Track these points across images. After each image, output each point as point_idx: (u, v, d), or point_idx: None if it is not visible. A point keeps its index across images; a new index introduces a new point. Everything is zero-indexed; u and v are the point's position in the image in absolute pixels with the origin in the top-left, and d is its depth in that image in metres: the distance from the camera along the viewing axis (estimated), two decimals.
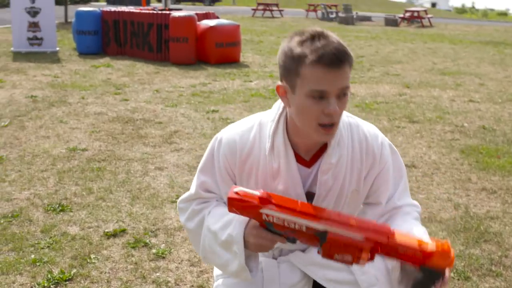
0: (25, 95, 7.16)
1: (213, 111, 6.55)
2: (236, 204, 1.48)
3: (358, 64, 10.80)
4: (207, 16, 11.44)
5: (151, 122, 5.95)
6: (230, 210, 1.51)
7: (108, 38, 11.66)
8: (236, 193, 1.48)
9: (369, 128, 1.77)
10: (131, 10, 11.51)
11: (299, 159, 1.69)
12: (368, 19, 29.77)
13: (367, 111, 6.83)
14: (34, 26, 11.68)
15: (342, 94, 1.52)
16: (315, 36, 1.51)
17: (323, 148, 1.69)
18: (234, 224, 1.62)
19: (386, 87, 8.63)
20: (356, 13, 30.66)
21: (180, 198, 1.86)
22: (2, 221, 3.49)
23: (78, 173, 4.35)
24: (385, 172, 1.75)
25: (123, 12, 11.48)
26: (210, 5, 44.51)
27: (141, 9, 11.77)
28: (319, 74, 1.48)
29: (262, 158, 1.69)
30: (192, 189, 1.80)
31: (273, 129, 1.68)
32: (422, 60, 12.39)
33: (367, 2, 52.73)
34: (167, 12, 10.84)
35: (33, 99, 6.92)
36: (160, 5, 15.79)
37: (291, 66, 1.53)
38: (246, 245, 1.59)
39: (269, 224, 1.49)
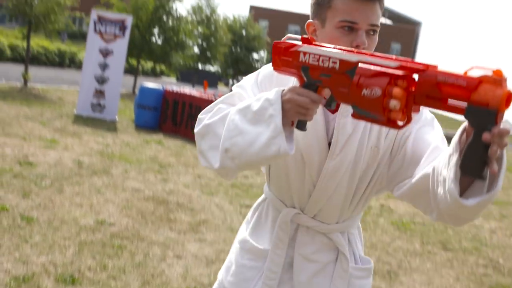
0: (73, 159, 7.43)
1: (247, 206, 6.59)
2: (278, 48, 1.45)
3: None
4: None
5: (183, 207, 6.02)
6: (273, 59, 1.46)
7: (165, 116, 12.07)
8: (281, 41, 1.48)
9: None
10: (192, 93, 11.93)
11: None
12: None
13: (402, 230, 6.71)
14: (99, 93, 12.27)
15: (371, 31, 1.56)
16: None
17: None
18: (271, 92, 1.47)
19: None
20: None
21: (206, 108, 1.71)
22: (12, 283, 3.55)
23: (98, 247, 4.42)
24: (421, 130, 1.62)
25: (184, 94, 11.91)
26: None
27: (201, 94, 12.18)
28: (351, 5, 1.53)
29: None
30: (226, 94, 1.71)
31: None
32: None
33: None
34: None
35: (79, 165, 7.16)
36: (220, 92, 16.28)
37: (325, 1, 1.57)
38: (283, 111, 1.42)
39: (305, 70, 1.40)
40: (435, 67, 1.15)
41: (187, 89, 13.23)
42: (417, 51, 67.25)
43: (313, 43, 1.43)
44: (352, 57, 1.29)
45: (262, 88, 1.70)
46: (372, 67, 1.22)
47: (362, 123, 1.63)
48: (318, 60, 1.37)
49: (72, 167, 6.95)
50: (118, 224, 5.09)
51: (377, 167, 1.67)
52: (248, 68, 33.06)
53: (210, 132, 1.61)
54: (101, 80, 12.29)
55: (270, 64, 1.73)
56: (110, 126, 11.38)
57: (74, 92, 16.95)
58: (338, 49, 1.36)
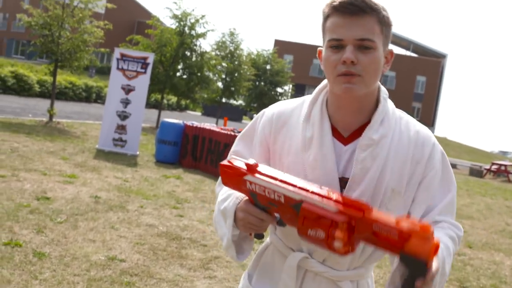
0: (90, 194, 7.52)
1: (260, 242, 6.55)
2: (225, 171, 1.49)
3: None
4: None
5: (196, 243, 6.03)
6: (222, 178, 1.53)
7: (185, 151, 12.18)
8: (228, 161, 1.50)
9: (423, 126, 1.68)
10: (212, 128, 12.04)
11: (336, 133, 1.61)
12: (453, 166, 29.33)
13: None
14: (121, 128, 12.47)
15: (362, 47, 1.49)
16: None
17: (363, 127, 1.59)
18: (231, 198, 1.60)
19: None
20: None
21: None
22: None
23: (107, 284, 4.44)
24: (430, 179, 1.60)
25: (203, 129, 12.03)
26: None
27: (221, 129, 12.29)
28: (334, 22, 1.52)
29: (297, 129, 1.64)
30: (228, 156, 1.78)
31: (312, 98, 1.67)
32: (495, 218, 11.96)
33: (457, 148, 52.25)
34: None
35: (95, 200, 7.24)
36: (241, 127, 16.37)
37: (322, 24, 1.59)
38: (236, 221, 1.55)
39: (254, 196, 1.45)
40: (371, 212, 1.26)
41: (207, 124, 13.35)
42: (442, 83, 66.86)
43: (257, 170, 1.45)
44: (295, 196, 1.36)
45: (263, 142, 1.73)
46: (315, 209, 1.31)
47: (383, 158, 1.57)
48: (264, 191, 1.43)
49: (88, 203, 7.04)
50: (129, 260, 5.11)
51: (395, 211, 1.58)
52: (273, 101, 33.27)
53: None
54: (123, 116, 12.50)
55: (271, 106, 1.78)
56: (131, 161, 11.51)
57: (98, 127, 17.22)
58: (282, 181, 1.41)
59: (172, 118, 26.91)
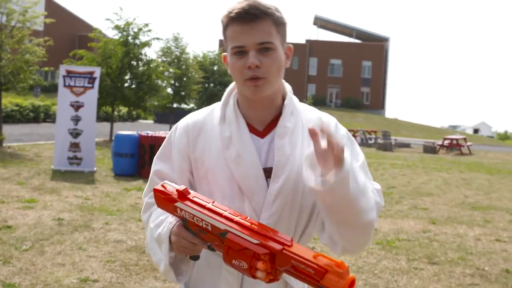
0: (52, 217, 7.39)
1: None
2: (158, 196, 1.52)
3: (387, 196, 10.78)
4: None
5: None
6: (156, 202, 1.55)
7: (143, 161, 12.07)
8: (162, 185, 1.53)
9: (324, 113, 1.82)
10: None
11: (252, 129, 1.72)
12: (406, 145, 29.99)
13: (387, 249, 6.74)
14: (75, 146, 12.28)
15: (263, 49, 1.61)
16: (239, 1, 1.65)
17: (275, 119, 1.73)
18: (165, 223, 1.65)
19: (411, 222, 8.54)
20: (395, 139, 31.00)
21: (143, 192, 1.90)
22: None
23: None
24: None
25: (159, 137, 11.96)
26: None
27: None
28: (234, 30, 1.63)
29: (214, 132, 1.74)
30: (149, 178, 1.85)
31: (222, 102, 1.78)
32: (454, 192, 12.29)
33: (408, 127, 53.34)
34: None
35: (59, 222, 7.12)
36: None
37: (222, 33, 1.70)
38: (171, 245, 1.60)
39: (185, 221, 1.51)
40: (290, 247, 1.32)
41: (162, 132, 13.26)
42: (388, 66, 68.09)
43: (188, 197, 1.50)
44: (220, 225, 1.41)
45: (183, 153, 1.77)
46: (239, 240, 1.37)
47: (299, 144, 1.70)
48: (193, 219, 1.48)
49: (52, 226, 6.91)
50: (102, 280, 5.06)
51: None
52: None
53: (145, 227, 1.85)
54: (75, 133, 12.30)
55: (182, 119, 1.84)
56: (89, 177, 11.35)
57: (51, 147, 16.88)
58: (210, 209, 1.46)
59: (124, 130, 26.58)
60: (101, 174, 11.98)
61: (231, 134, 1.70)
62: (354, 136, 30.50)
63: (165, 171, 1.81)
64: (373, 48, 65.67)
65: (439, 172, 16.63)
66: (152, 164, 1.87)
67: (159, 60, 25.90)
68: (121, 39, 21.07)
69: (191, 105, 32.22)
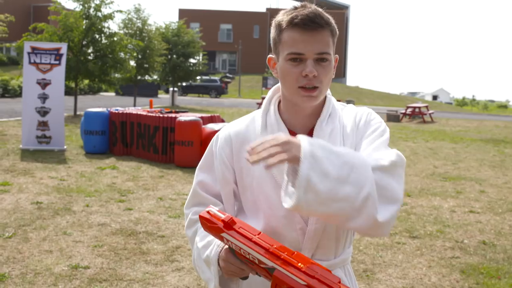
0: (30, 200, 7.28)
1: None
2: (204, 224, 1.54)
3: None
4: (212, 119, 11.74)
5: (153, 236, 6.01)
6: (203, 227, 1.57)
7: (115, 138, 11.94)
8: (208, 212, 1.54)
9: (361, 108, 1.84)
10: (139, 112, 11.84)
11: (294, 135, 1.67)
12: None
13: None
14: (43, 125, 12.03)
15: (320, 59, 1.62)
16: (298, 7, 1.65)
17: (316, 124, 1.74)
18: (213, 246, 1.68)
19: None
20: None
21: (185, 203, 1.91)
22: None
23: None
24: (369, 132, 1.72)
25: (130, 114, 11.81)
26: (216, 97, 45.58)
27: (148, 111, 12.10)
28: (294, 36, 1.61)
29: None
30: (192, 189, 1.86)
31: (263, 110, 1.78)
32: (423, 162, 12.56)
33: (370, 95, 53.93)
34: (173, 115, 11.14)
35: (38, 206, 7.02)
36: (163, 106, 16.20)
37: (275, 35, 1.68)
38: (222, 270, 1.64)
39: (232, 250, 1.54)
40: None
41: (132, 109, 13.11)
42: (348, 34, 68.36)
43: (233, 227, 1.49)
44: (268, 262, 1.41)
45: (227, 164, 1.77)
46: (286, 279, 1.36)
47: (338, 142, 1.71)
48: (240, 250, 1.49)
49: (31, 210, 6.81)
50: (93, 266, 5.04)
51: None
52: (187, 73, 32.95)
53: (189, 241, 1.89)
54: (43, 112, 12.04)
55: (224, 129, 1.83)
56: (60, 156, 11.17)
57: (15, 123, 16.53)
58: (256, 242, 1.45)
59: (87, 104, 26.15)
60: (71, 152, 11.80)
61: None
62: None
63: (208, 182, 1.82)
64: (334, 16, 64.44)
65: (405, 142, 16.94)
66: (195, 175, 1.88)
67: (121, 32, 25.43)
68: (82, 12, 20.55)
69: (155, 77, 31.85)
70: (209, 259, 1.68)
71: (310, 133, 1.73)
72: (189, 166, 10.34)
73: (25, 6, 60.16)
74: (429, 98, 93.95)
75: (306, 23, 1.60)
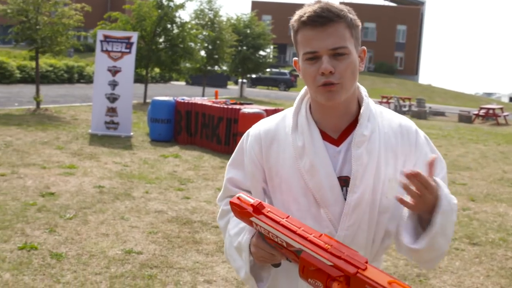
0: (93, 184, 7.50)
1: None
2: (234, 209, 1.55)
3: None
4: (276, 112, 11.69)
5: (208, 226, 6.06)
6: (233, 213, 1.57)
7: (180, 127, 12.13)
8: (238, 197, 1.54)
9: (403, 117, 1.78)
10: (204, 103, 11.98)
11: (326, 137, 1.68)
12: (441, 114, 29.52)
13: None
14: (112, 111, 12.36)
15: (337, 54, 1.55)
16: (310, 4, 1.61)
17: (351, 126, 1.68)
18: (245, 232, 1.67)
19: None
20: (430, 107, 30.53)
21: (218, 197, 1.93)
22: None
23: (129, 280, 4.47)
24: (421, 162, 1.65)
25: (195, 104, 11.97)
26: (285, 90, 45.53)
27: (213, 102, 12.22)
28: (305, 35, 1.57)
29: (287, 141, 1.70)
30: (223, 185, 1.88)
31: (295, 109, 1.74)
32: (492, 167, 12.09)
33: (442, 94, 52.45)
34: (237, 107, 11.20)
35: (100, 190, 7.22)
36: (230, 98, 16.30)
37: (292, 37, 1.65)
38: (253, 257, 1.62)
39: (261, 235, 1.53)
40: (364, 271, 1.30)
41: (198, 99, 13.27)
42: (423, 30, 66.70)
43: (262, 211, 1.49)
44: (295, 243, 1.41)
45: (256, 162, 1.75)
46: (313, 261, 1.36)
47: (376, 151, 1.64)
48: (268, 234, 1.48)
49: (93, 194, 7.02)
50: (145, 252, 5.13)
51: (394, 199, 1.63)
52: (256, 65, 33.06)
53: (222, 232, 1.89)
54: (112, 98, 12.38)
55: (254, 126, 1.81)
56: (126, 143, 11.46)
57: (87, 109, 17.09)
58: (284, 225, 1.44)
59: (158, 92, 26.71)
60: (137, 139, 12.08)
61: (304, 143, 1.66)
62: (388, 103, 30.15)
63: (238, 178, 1.81)
64: (409, 12, 64.26)
65: (475, 144, 16.36)
66: (226, 171, 1.88)
67: (193, 22, 25.76)
68: (155, 2, 20.96)
69: (224, 68, 32.14)
70: (241, 246, 1.67)
71: (344, 135, 1.68)
72: None
73: None
74: (505, 99, 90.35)
75: (314, 19, 1.55)
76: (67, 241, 5.25)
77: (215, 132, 11.38)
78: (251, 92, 38.76)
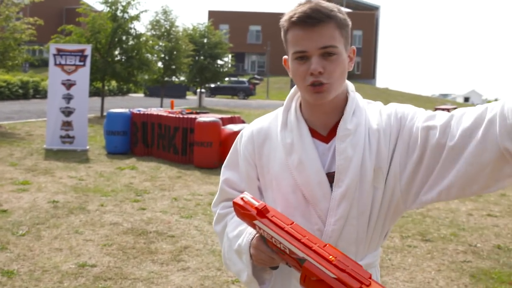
0: (47, 199, 7.40)
1: None
2: (237, 210, 1.53)
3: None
4: (232, 120, 11.78)
5: (163, 236, 6.05)
6: (236, 214, 1.56)
7: (136, 139, 12.07)
8: (242, 198, 1.53)
9: (389, 105, 1.75)
10: (159, 113, 11.94)
11: (315, 134, 1.68)
12: None
13: None
14: (67, 125, 12.23)
15: (326, 54, 1.56)
16: (301, 3, 1.60)
17: (339, 123, 1.66)
18: (245, 235, 1.65)
19: None
20: None
21: (213, 202, 1.91)
22: None
23: None
24: (409, 122, 1.62)
25: (151, 115, 11.93)
26: (244, 98, 45.66)
27: (169, 112, 12.20)
28: (295, 35, 1.58)
29: (278, 139, 1.70)
30: (219, 188, 1.86)
31: (284, 107, 1.75)
32: None
33: (399, 97, 53.42)
34: (193, 116, 11.21)
35: (54, 205, 7.14)
36: (187, 108, 16.27)
37: (282, 36, 1.65)
38: (253, 259, 1.62)
39: (263, 238, 1.52)
40: (368, 285, 1.28)
41: (154, 109, 13.23)
42: (378, 35, 67.84)
43: (266, 215, 1.48)
44: (298, 252, 1.40)
45: (250, 162, 1.77)
46: (316, 271, 1.35)
47: (361, 144, 1.62)
48: (271, 239, 1.47)
49: (47, 209, 6.93)
50: (100, 264, 5.10)
51: (385, 189, 1.64)
52: (214, 74, 33.08)
53: (219, 237, 1.89)
54: (67, 112, 12.25)
55: (248, 126, 1.82)
56: (82, 156, 11.34)
57: (42, 124, 16.82)
58: (288, 232, 1.43)
59: (115, 105, 26.45)
60: (93, 152, 11.97)
61: (293, 140, 1.67)
62: None
63: (233, 179, 1.82)
64: (364, 17, 65.28)
65: None
66: (221, 173, 1.87)
67: (148, 34, 25.66)
68: (110, 14, 20.82)
69: (182, 78, 32.07)
70: (241, 248, 1.66)
71: (332, 131, 1.68)
72: (208, 167, 10.40)
73: (58, 9, 61.23)
74: (460, 100, 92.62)
75: (304, 20, 1.55)
76: (19, 258, 5.17)
77: (172, 143, 11.36)
78: (210, 101, 38.76)
